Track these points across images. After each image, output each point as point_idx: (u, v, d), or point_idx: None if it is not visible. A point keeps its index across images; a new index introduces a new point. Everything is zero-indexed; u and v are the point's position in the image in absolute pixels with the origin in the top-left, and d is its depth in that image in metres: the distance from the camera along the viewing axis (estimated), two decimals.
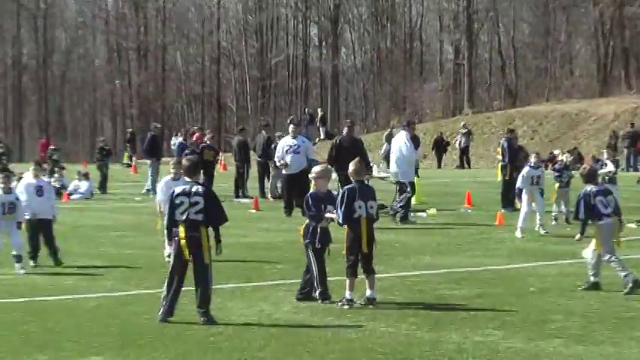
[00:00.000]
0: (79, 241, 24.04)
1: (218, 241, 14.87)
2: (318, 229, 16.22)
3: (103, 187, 42.83)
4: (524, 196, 25.95)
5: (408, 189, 29.05)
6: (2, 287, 18.50)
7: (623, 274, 16.80)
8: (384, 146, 53.23)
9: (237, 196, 37.26)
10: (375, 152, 54.36)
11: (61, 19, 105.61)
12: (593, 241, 17.30)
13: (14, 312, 16.10)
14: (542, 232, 25.30)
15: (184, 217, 14.67)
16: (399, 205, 28.89)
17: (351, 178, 16.49)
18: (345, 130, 32.69)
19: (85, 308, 16.49)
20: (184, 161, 16.60)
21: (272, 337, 13.77)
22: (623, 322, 14.61)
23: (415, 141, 30.11)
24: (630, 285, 16.59)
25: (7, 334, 14.33)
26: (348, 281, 15.89)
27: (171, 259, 14.97)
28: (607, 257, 17.03)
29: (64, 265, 20.83)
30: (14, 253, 20.15)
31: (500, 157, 34.18)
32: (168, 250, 16.08)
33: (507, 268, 20.49)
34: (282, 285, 17.79)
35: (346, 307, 15.69)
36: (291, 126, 33.23)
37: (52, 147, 51.20)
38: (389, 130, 58.59)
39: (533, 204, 25.87)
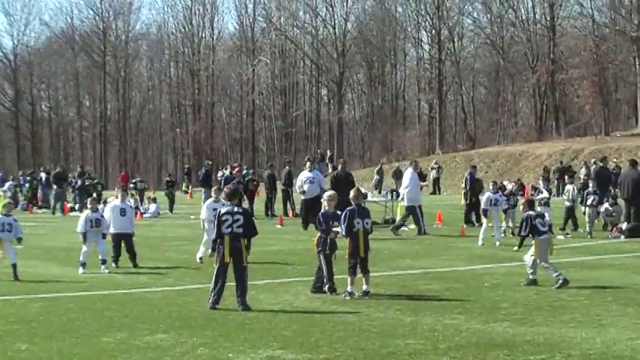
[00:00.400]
0: (149, 249, 24.06)
1: (248, 248, 14.97)
2: (328, 240, 16.29)
3: (171, 209, 43.14)
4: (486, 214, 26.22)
5: (417, 211, 29.08)
6: (90, 283, 18.55)
7: (554, 274, 16.86)
8: (375, 177, 53.35)
9: (267, 215, 37.25)
10: (369, 182, 54.28)
11: (137, 83, 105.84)
12: (532, 248, 17.35)
13: (100, 302, 16.18)
14: (497, 243, 25.23)
15: (229, 230, 14.76)
16: (422, 227, 29.06)
17: (352, 202, 16.56)
18: (339, 167, 32.78)
19: (153, 299, 16.56)
20: (226, 189, 16.79)
21: (293, 321, 13.80)
22: (555, 309, 14.61)
23: (421, 176, 30.26)
24: (560, 282, 16.67)
25: (94, 318, 14.43)
26: (349, 278, 15.94)
27: (217, 263, 14.99)
28: (542, 263, 17.16)
29: (138, 267, 20.90)
30: (100, 257, 20.23)
31: (463, 185, 34.27)
32: (200, 254, 15.96)
33: (468, 269, 20.43)
34: (300, 281, 17.76)
35: (348, 297, 15.72)
36: (308, 163, 33.34)
37: (138, 179, 51.56)
38: (379, 165, 58.72)
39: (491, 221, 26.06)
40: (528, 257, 17.46)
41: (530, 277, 17.26)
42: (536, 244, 17.33)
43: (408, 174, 30.39)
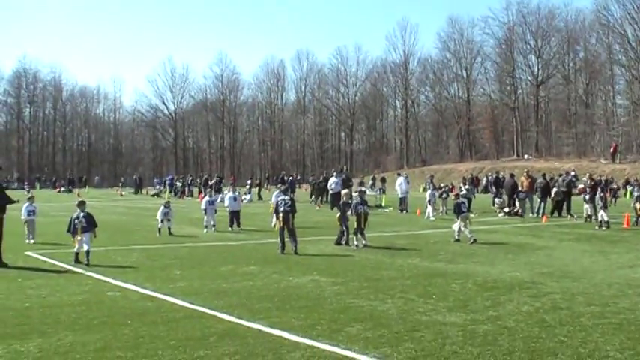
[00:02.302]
0: (245, 219, 23.86)
1: (293, 217, 14.98)
2: (345, 216, 16.23)
3: (259, 197, 42.56)
4: (431, 202, 26.02)
5: (402, 201, 28.91)
6: (211, 237, 18.53)
7: (469, 235, 16.68)
8: (370, 182, 52.88)
9: (313, 203, 36.98)
10: (367, 184, 53.67)
11: (240, 128, 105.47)
12: (458, 221, 17.18)
13: (218, 248, 16.16)
14: (432, 218, 25.04)
15: (282, 208, 14.80)
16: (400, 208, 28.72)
17: (359, 195, 16.58)
18: (344, 175, 32.96)
19: (246, 247, 16.45)
20: (280, 186, 16.96)
21: (324, 259, 13.72)
22: (469, 255, 14.40)
23: (407, 181, 30.03)
24: (473, 240, 16.48)
25: (215, 256, 14.39)
26: (355, 237, 15.85)
27: (278, 227, 15.00)
28: (464, 229, 16.97)
29: (241, 229, 20.83)
30: (212, 222, 20.27)
31: (425, 187, 33.75)
32: (274, 221, 15.92)
33: (421, 232, 20.22)
34: (328, 238, 17.54)
35: (355, 247, 15.60)
36: (335, 173, 33.18)
37: (249, 181, 50.14)
38: (372, 175, 58.06)
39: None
40: (455, 226, 17.30)
41: (456, 236, 17.07)
42: (460, 218, 17.18)
43: (400, 179, 30.09)
